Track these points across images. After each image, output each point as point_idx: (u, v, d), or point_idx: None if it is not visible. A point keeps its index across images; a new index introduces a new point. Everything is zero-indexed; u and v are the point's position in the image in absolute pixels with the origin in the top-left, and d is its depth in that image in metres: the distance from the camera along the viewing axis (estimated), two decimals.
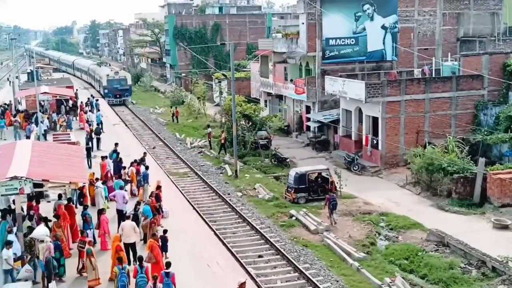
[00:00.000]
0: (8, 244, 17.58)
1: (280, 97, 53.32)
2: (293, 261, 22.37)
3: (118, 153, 30.87)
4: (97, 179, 26.25)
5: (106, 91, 65.12)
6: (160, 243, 19.02)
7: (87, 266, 17.91)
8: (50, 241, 18.13)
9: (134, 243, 19.83)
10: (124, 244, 19.16)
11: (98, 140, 37.77)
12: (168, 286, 16.51)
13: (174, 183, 32.47)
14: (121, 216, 22.29)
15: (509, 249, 22.85)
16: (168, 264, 16.89)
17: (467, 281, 20.83)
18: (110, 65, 78.37)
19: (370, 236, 25.59)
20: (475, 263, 22.02)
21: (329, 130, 44.30)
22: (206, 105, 61.31)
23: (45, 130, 39.91)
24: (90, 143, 35.90)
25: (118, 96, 64.51)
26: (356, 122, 40.26)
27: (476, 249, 22.60)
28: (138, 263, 17.02)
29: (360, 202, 30.38)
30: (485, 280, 20.84)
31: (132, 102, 66.71)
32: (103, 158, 28.86)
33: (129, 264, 18.34)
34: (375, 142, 37.99)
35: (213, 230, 25.17)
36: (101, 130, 40.57)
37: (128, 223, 19.92)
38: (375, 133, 38.10)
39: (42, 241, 18.11)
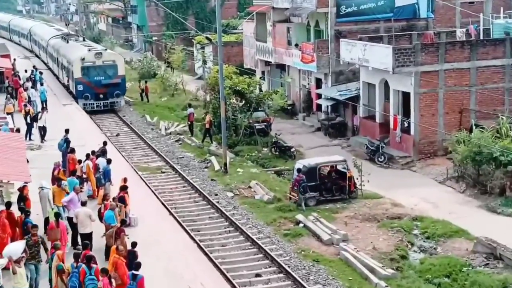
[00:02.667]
0: None
1: (282, 67, 53.34)
2: (300, 280, 22.47)
3: (69, 142, 30.90)
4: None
5: (80, 87, 48.38)
6: (128, 260, 19.08)
7: (58, 287, 18.00)
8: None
9: (91, 233, 21.60)
10: (80, 234, 21.23)
11: (43, 130, 37.45)
12: None
13: (144, 181, 32.53)
14: (74, 226, 22.27)
15: None
16: (138, 265, 17.75)
17: None
18: (84, 39, 62.38)
19: (400, 248, 25.71)
20: None
21: (346, 110, 44.39)
22: (185, 79, 61.29)
23: None
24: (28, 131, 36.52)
25: (102, 96, 48.75)
26: (382, 100, 40.33)
27: None
28: (86, 262, 17.78)
29: (387, 204, 30.49)
30: None
31: (128, 103, 53.51)
32: (71, 150, 28.99)
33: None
34: (406, 125, 38.08)
35: (196, 242, 25.25)
36: (45, 111, 40.42)
37: (83, 210, 21.96)
38: (406, 113, 38.18)
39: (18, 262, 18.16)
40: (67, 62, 51.64)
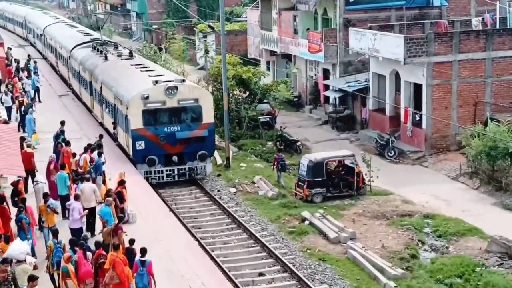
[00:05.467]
0: None
1: (288, 57, 53.34)
2: (306, 280, 22.56)
3: (59, 135, 31.04)
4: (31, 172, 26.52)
5: (140, 145, 31.31)
6: (126, 258, 19.20)
7: None
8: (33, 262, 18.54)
9: (94, 208, 23.49)
10: (84, 209, 22.59)
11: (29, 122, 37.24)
12: (142, 277, 18.06)
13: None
14: (77, 236, 21.88)
15: None
16: (144, 251, 18.44)
17: None
18: (132, 53, 41.53)
19: (410, 247, 25.80)
20: None
21: (355, 102, 44.41)
22: (187, 69, 61.36)
23: None
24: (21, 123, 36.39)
25: (177, 159, 31.66)
26: (392, 91, 40.36)
27: None
28: (70, 245, 18.85)
29: (397, 200, 30.56)
30: None
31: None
32: (67, 143, 29.06)
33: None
34: (417, 118, 38.11)
35: (197, 240, 25.35)
36: (36, 101, 40.32)
37: (88, 186, 23.70)
38: (418, 106, 38.21)
39: (20, 262, 18.23)
40: (115, 98, 34.00)
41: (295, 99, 49.57)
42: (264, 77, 46.02)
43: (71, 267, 18.22)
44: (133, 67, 36.37)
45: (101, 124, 38.69)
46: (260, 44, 56.54)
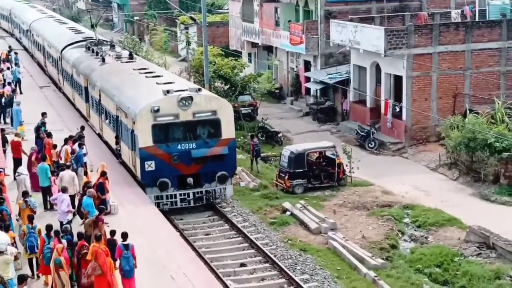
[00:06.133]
0: None
1: (269, 49, 53.34)
2: (287, 270, 22.66)
3: (40, 127, 30.91)
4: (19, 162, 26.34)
5: (149, 165, 26.86)
6: (108, 249, 19.20)
7: (55, 283, 18.08)
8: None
9: (74, 196, 23.43)
10: None
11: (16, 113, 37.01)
12: (128, 260, 18.43)
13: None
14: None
15: None
16: (125, 235, 18.81)
17: None
18: (132, 55, 36.76)
19: (390, 237, 25.99)
20: None
21: (336, 94, 44.51)
22: (168, 60, 61.18)
23: None
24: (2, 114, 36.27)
25: (192, 181, 27.18)
26: (373, 83, 40.50)
27: None
28: (46, 231, 18.85)
29: (377, 191, 30.73)
30: None
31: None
32: (48, 134, 28.92)
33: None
34: (397, 109, 38.27)
35: (179, 231, 25.37)
36: (17, 93, 40.12)
37: (68, 173, 23.75)
38: (398, 97, 38.37)
39: (1, 253, 18.12)
40: (118, 109, 29.64)
41: (276, 91, 49.64)
42: (245, 68, 46.01)
43: (63, 259, 18.23)
44: (136, 72, 31.75)
45: (99, 136, 34.32)
46: (241, 36, 56.48)
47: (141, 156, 26.47)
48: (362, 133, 38.19)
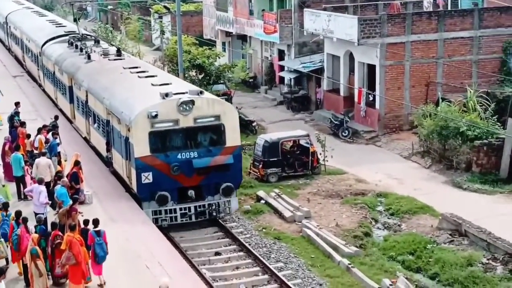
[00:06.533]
0: None
1: (243, 38, 53.22)
2: (262, 259, 22.73)
3: (13, 117, 30.70)
4: None
5: (146, 177, 24.30)
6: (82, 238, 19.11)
7: (32, 273, 17.94)
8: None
9: (49, 182, 23.09)
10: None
11: None
12: (101, 246, 18.59)
13: (99, 157, 32.20)
14: (43, 221, 21.45)
15: None
16: (97, 221, 18.91)
17: (490, 281, 21.50)
18: (120, 51, 34.21)
19: (364, 225, 26.13)
20: (501, 258, 22.71)
21: (310, 83, 44.55)
22: (142, 50, 60.86)
23: None
24: None
25: (193, 194, 24.78)
26: (346, 72, 40.57)
27: (502, 239, 23.26)
28: (15, 218, 19.10)
29: (351, 180, 30.86)
30: None
31: None
32: (21, 124, 28.66)
33: None
34: (371, 98, 38.41)
35: (154, 220, 25.25)
36: None
37: (44, 160, 23.64)
38: (371, 86, 38.49)
39: None
40: (109, 114, 27.09)
41: (250, 80, 49.61)
42: (219, 58, 45.88)
43: (38, 249, 18.15)
44: (127, 71, 29.29)
45: (86, 140, 31.87)
46: (215, 25, 56.28)
47: (137, 167, 24.00)
48: (335, 122, 38.29)
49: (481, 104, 33.67)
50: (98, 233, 18.69)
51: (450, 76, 38.14)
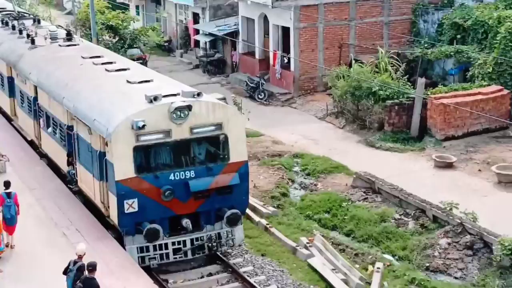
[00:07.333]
0: None
1: (157, 1, 52.50)
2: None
3: None
4: None
5: (130, 205, 18.32)
6: None
7: None
8: None
9: None
10: None
11: None
12: (10, 208, 18.46)
13: (12, 124, 31.25)
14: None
15: (454, 192, 24.38)
16: (8, 183, 18.83)
17: (402, 236, 22.10)
18: (70, 34, 28.53)
19: (281, 185, 26.39)
20: (413, 213, 23.30)
21: (225, 46, 44.40)
22: (53, 14, 59.26)
23: None
24: None
25: (188, 224, 18.96)
26: (261, 35, 40.57)
27: (413, 195, 23.85)
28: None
29: (268, 141, 31.04)
30: (425, 233, 22.16)
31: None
32: None
33: None
34: (286, 61, 38.56)
35: (68, 187, 24.79)
36: None
37: None
38: (286, 49, 38.62)
39: None
40: (74, 119, 21.31)
41: (165, 44, 49.09)
42: (134, 22, 45.21)
43: None
44: (90, 62, 23.59)
45: (31, 143, 26.84)
46: None
47: (118, 192, 18.28)
48: (251, 85, 38.36)
49: (392, 65, 34.25)
50: (9, 195, 18.60)
51: (362, 37, 38.63)
